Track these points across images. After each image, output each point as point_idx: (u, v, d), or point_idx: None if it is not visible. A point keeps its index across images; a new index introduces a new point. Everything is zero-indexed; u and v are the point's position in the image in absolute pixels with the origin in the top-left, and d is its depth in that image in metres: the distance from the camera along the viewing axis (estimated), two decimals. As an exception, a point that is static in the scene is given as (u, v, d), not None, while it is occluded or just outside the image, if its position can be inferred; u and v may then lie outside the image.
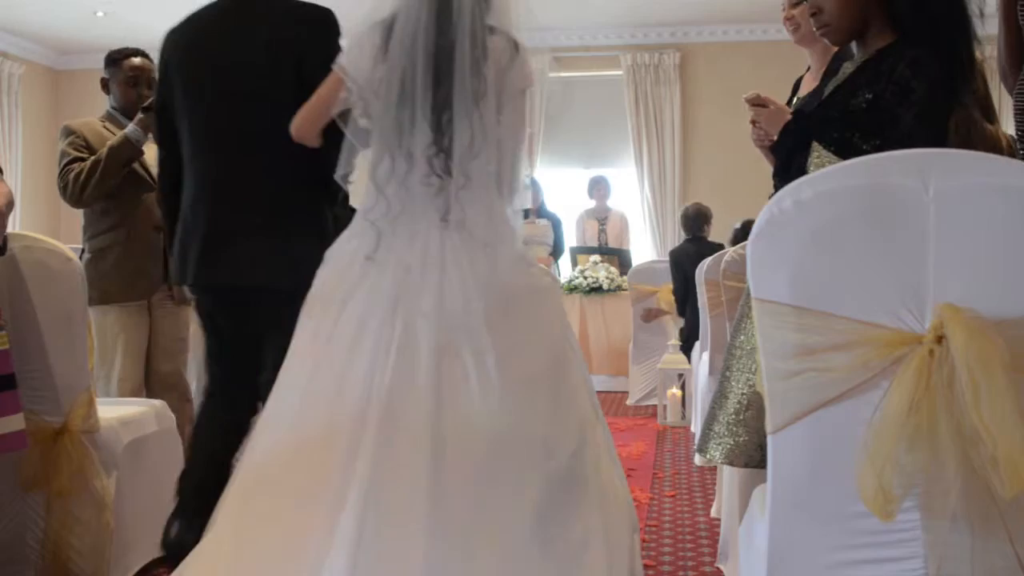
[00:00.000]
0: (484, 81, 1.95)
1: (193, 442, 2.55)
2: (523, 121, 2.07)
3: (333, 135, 2.10)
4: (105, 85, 3.30)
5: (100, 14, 8.11)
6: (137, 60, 3.25)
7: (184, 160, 2.44)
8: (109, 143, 3.13)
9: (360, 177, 2.11)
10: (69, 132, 3.19)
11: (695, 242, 6.05)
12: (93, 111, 3.34)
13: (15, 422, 2.27)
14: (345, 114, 2.05)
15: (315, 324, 1.96)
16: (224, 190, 2.37)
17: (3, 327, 2.31)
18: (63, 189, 3.15)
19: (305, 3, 2.41)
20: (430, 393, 1.82)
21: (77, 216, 3.33)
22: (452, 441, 1.80)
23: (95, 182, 3.09)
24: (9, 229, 2.34)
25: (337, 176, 2.09)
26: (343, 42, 2.24)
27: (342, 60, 2.05)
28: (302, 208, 2.37)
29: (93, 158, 3.13)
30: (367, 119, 2.02)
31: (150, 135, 3.09)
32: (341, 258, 2.00)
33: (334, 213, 2.40)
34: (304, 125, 2.15)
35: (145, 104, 3.13)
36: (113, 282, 3.14)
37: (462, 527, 1.75)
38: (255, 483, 1.90)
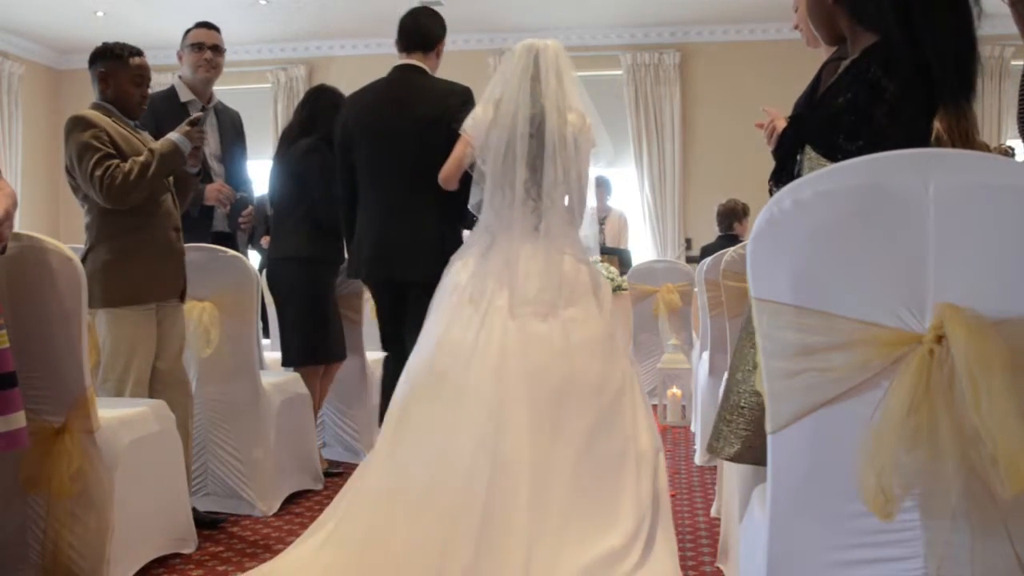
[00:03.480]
0: (564, 140, 2.92)
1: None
2: (588, 168, 3.04)
3: (463, 178, 3.16)
4: (103, 79, 3.22)
5: (100, 14, 8.12)
6: (141, 60, 3.22)
7: (359, 188, 3.54)
8: (159, 149, 3.09)
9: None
10: (89, 124, 3.06)
11: (724, 240, 5.99)
12: (94, 111, 3.28)
13: (16, 420, 2.27)
14: (471, 164, 3.05)
15: (447, 295, 2.93)
16: (389, 214, 3.46)
17: (3, 326, 2.31)
18: (107, 185, 3.00)
19: (452, 82, 3.52)
20: (519, 344, 2.76)
21: (77, 216, 3.28)
22: (537, 377, 2.71)
23: (144, 185, 3.05)
24: (9, 229, 2.34)
25: (470, 205, 3.03)
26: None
27: (467, 127, 3.06)
28: (440, 227, 3.42)
29: (141, 160, 3.05)
30: (485, 165, 2.97)
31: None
32: (465, 255, 3.01)
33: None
34: (448, 175, 3.23)
35: (192, 118, 3.18)
36: (140, 283, 3.10)
37: (547, 435, 2.65)
38: (406, 408, 2.84)
